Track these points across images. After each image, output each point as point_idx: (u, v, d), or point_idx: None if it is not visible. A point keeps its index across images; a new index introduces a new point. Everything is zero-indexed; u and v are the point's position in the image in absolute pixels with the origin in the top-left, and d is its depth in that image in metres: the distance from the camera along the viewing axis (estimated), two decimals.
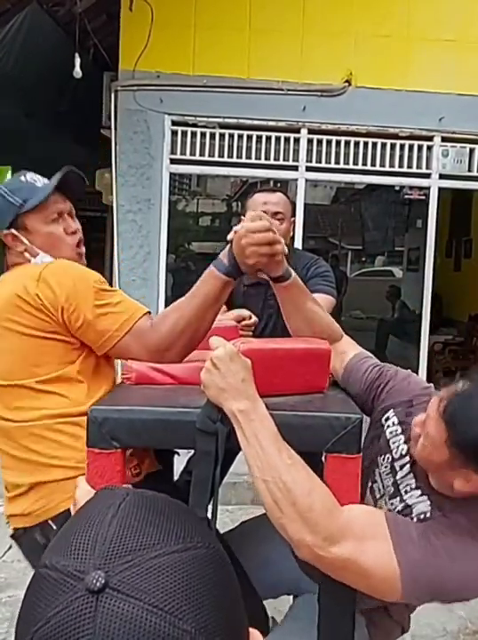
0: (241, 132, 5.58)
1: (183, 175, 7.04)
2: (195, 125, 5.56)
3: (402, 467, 1.36)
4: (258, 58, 5.43)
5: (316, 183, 7.25)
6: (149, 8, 5.21)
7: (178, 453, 1.71)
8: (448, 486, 1.22)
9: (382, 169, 5.56)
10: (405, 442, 1.37)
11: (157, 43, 5.26)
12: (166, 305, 5.76)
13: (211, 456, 1.12)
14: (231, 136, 5.58)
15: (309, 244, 7.73)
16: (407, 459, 1.36)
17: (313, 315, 1.48)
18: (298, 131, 5.60)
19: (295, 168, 5.68)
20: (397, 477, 1.36)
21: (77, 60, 5.18)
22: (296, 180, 5.72)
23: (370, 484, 1.44)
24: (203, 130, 5.57)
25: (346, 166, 5.65)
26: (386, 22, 5.49)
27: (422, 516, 1.27)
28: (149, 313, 1.48)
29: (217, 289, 1.39)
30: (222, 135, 5.58)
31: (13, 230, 1.56)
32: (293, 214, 2.55)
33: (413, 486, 1.32)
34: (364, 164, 5.63)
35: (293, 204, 2.75)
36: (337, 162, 5.66)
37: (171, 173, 5.67)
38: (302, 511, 1.08)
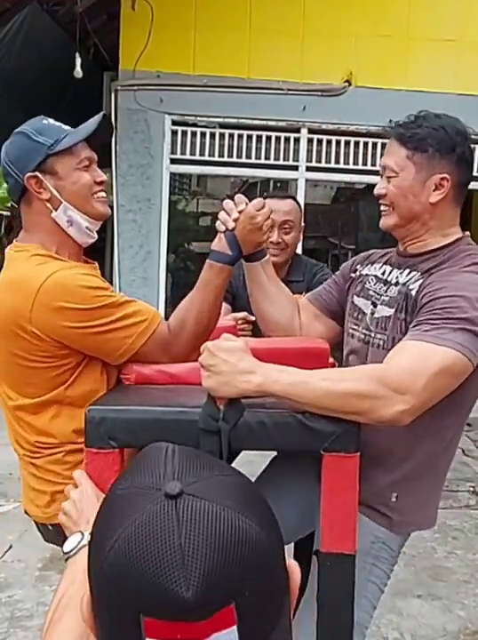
0: (241, 131, 5.59)
1: (183, 175, 7.06)
2: (195, 125, 5.56)
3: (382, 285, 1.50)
4: (259, 58, 5.44)
5: (316, 183, 7.25)
6: (149, 8, 5.21)
7: None
8: (424, 211, 1.39)
9: None
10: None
11: (157, 42, 5.26)
12: (166, 304, 5.77)
13: (215, 455, 1.12)
14: (231, 136, 5.59)
15: (309, 244, 7.74)
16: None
17: (277, 292, 1.61)
18: (298, 130, 5.61)
19: (295, 168, 5.68)
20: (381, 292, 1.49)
21: (78, 60, 5.19)
22: (296, 179, 5.73)
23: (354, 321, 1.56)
24: (204, 130, 5.57)
25: (346, 166, 5.66)
26: (386, 22, 5.50)
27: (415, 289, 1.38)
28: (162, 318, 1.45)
29: (225, 280, 1.43)
30: (222, 135, 5.59)
31: (39, 174, 1.41)
32: (304, 221, 2.48)
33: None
34: (364, 164, 5.63)
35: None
36: (337, 162, 5.67)
37: (171, 173, 5.67)
38: (381, 383, 1.16)
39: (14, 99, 5.52)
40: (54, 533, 1.53)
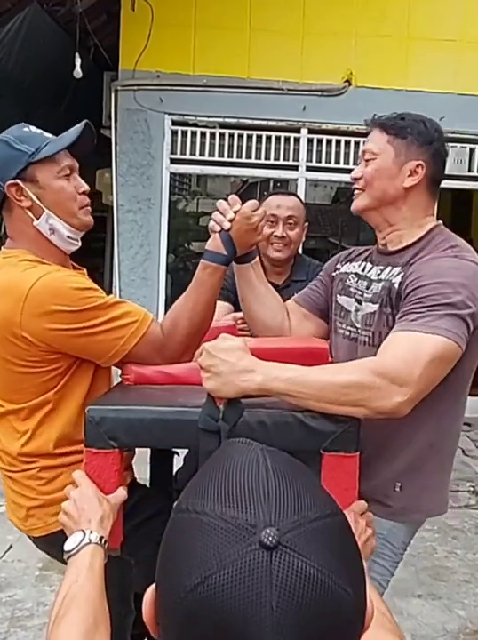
0: (241, 131, 5.59)
1: (183, 175, 7.04)
2: (195, 125, 5.56)
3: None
4: (259, 58, 5.44)
5: (316, 183, 7.25)
6: (149, 8, 5.21)
7: (177, 453, 1.71)
8: (398, 196, 1.44)
9: None
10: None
11: (157, 42, 5.26)
12: (166, 305, 5.76)
13: None
14: (231, 136, 5.59)
15: (309, 244, 7.72)
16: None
17: (267, 293, 1.62)
18: (298, 130, 5.61)
19: (295, 168, 5.68)
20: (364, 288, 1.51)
21: (78, 60, 5.18)
22: (296, 179, 5.72)
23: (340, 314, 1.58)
24: (204, 129, 5.57)
25: (346, 166, 5.66)
26: (386, 22, 5.49)
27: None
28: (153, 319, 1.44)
29: (220, 281, 1.43)
30: (222, 135, 5.59)
31: (19, 181, 1.40)
32: (307, 219, 2.49)
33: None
34: None
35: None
36: (337, 162, 5.67)
37: (171, 173, 5.67)
38: (380, 375, 1.17)
39: (14, 99, 5.52)
40: (37, 544, 1.53)
